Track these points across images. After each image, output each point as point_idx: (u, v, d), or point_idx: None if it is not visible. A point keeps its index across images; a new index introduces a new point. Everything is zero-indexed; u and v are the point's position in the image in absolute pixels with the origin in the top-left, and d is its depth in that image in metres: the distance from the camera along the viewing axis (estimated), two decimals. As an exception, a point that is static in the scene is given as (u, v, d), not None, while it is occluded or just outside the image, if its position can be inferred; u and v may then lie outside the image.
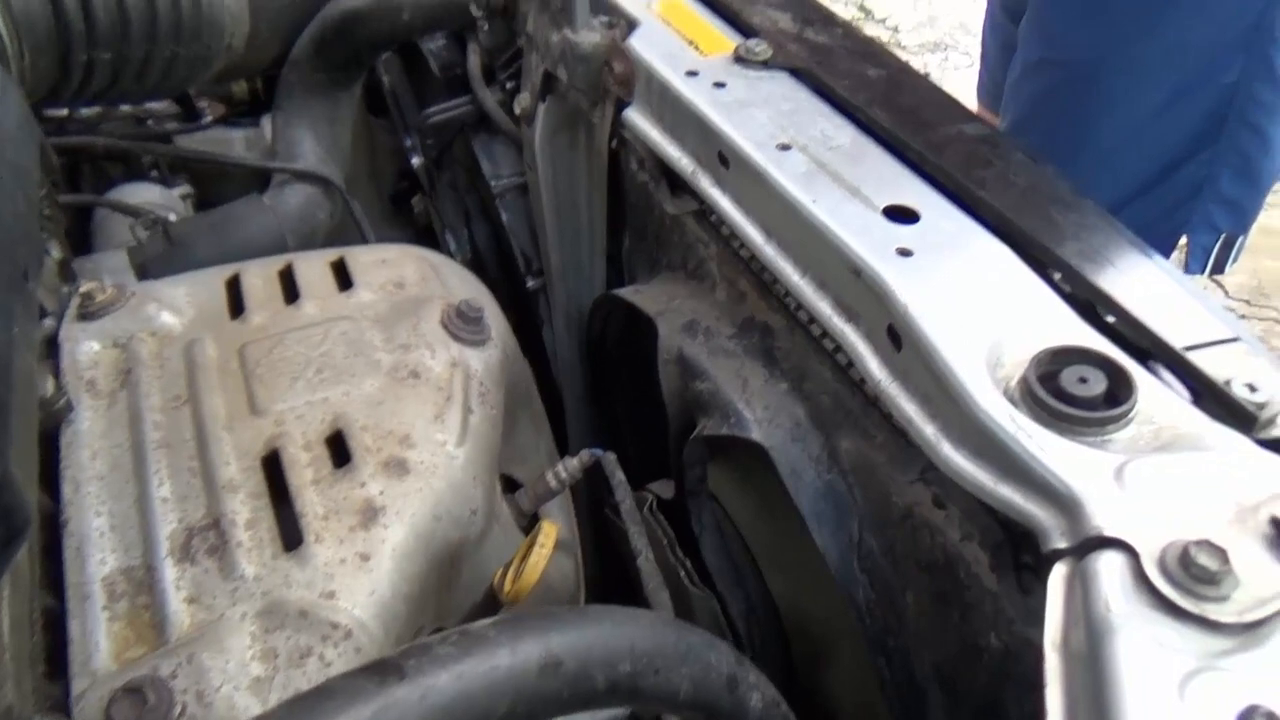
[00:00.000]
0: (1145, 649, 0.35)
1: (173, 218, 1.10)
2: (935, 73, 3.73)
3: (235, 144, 1.42)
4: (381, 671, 0.31)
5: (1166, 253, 1.29)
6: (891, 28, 4.09)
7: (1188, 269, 1.27)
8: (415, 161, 1.23)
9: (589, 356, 0.99)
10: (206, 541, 0.59)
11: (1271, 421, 0.48)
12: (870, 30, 4.07)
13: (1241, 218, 1.23)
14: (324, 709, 0.30)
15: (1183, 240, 1.26)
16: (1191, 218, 1.23)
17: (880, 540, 0.62)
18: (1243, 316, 2.45)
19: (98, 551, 0.59)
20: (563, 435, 1.05)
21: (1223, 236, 1.24)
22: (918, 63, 3.80)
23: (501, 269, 1.13)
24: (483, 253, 1.18)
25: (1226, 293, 2.52)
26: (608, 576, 0.96)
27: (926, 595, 0.59)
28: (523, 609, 0.70)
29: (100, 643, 0.54)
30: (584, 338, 0.99)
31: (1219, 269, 1.27)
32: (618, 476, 0.75)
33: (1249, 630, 0.37)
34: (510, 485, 0.81)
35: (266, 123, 1.41)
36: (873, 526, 0.62)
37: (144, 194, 1.22)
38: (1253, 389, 0.48)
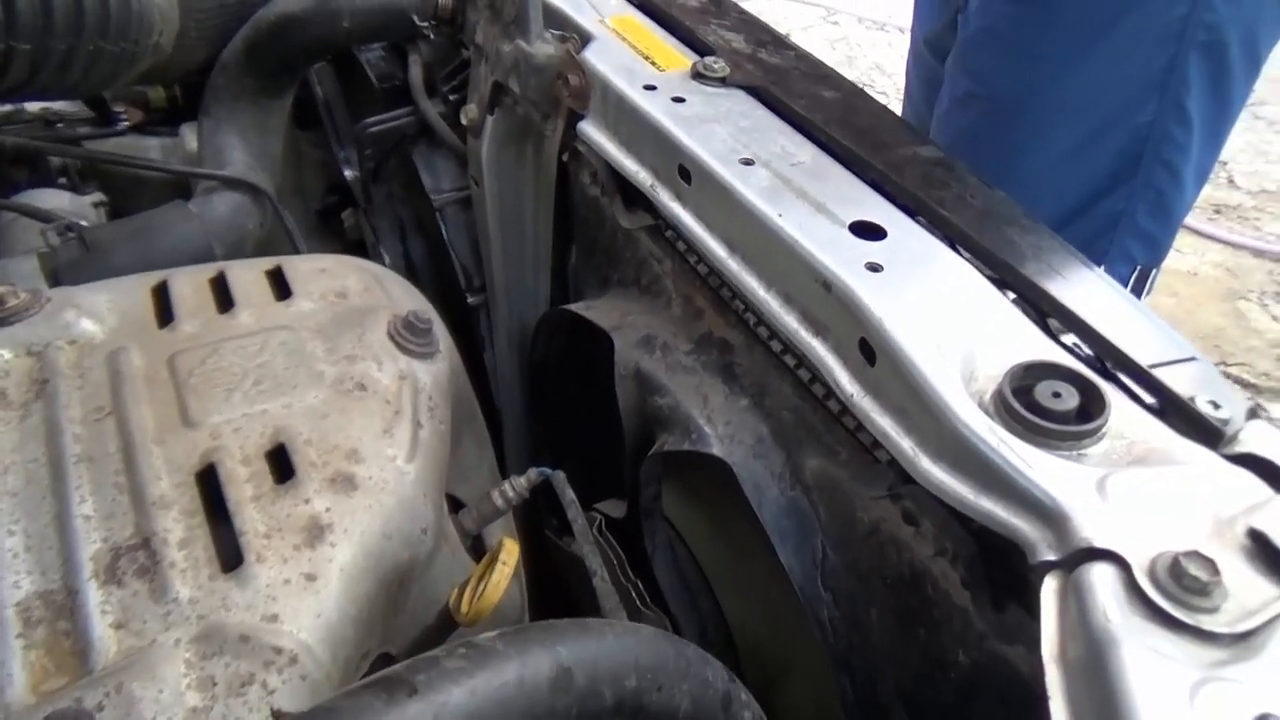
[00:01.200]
0: (1150, 659, 0.35)
1: (85, 223, 1.04)
2: (852, 111, 3.84)
3: (151, 152, 1.35)
4: (389, 688, 0.28)
5: None
6: (810, 66, 4.20)
7: None
8: (349, 174, 1.19)
9: (532, 374, 0.97)
10: (135, 562, 0.54)
11: (1235, 437, 0.49)
12: (790, 67, 4.18)
13: (1155, 251, 1.29)
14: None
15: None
16: (1109, 250, 1.28)
17: (844, 557, 0.61)
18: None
19: (11, 574, 0.53)
20: (501, 456, 1.02)
21: (1138, 269, 1.29)
22: (835, 100, 3.91)
23: (439, 284, 1.10)
24: (418, 268, 1.15)
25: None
26: (544, 599, 0.93)
27: (892, 612, 0.59)
28: (478, 632, 0.67)
29: (15, 673, 0.49)
30: (527, 354, 0.97)
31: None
32: (568, 495, 0.72)
33: (1240, 640, 0.37)
34: (454, 504, 0.78)
35: (186, 131, 1.35)
36: (837, 543, 0.62)
37: (53, 200, 1.15)
38: (1216, 405, 0.49)
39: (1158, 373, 0.52)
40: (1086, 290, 0.58)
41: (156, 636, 0.51)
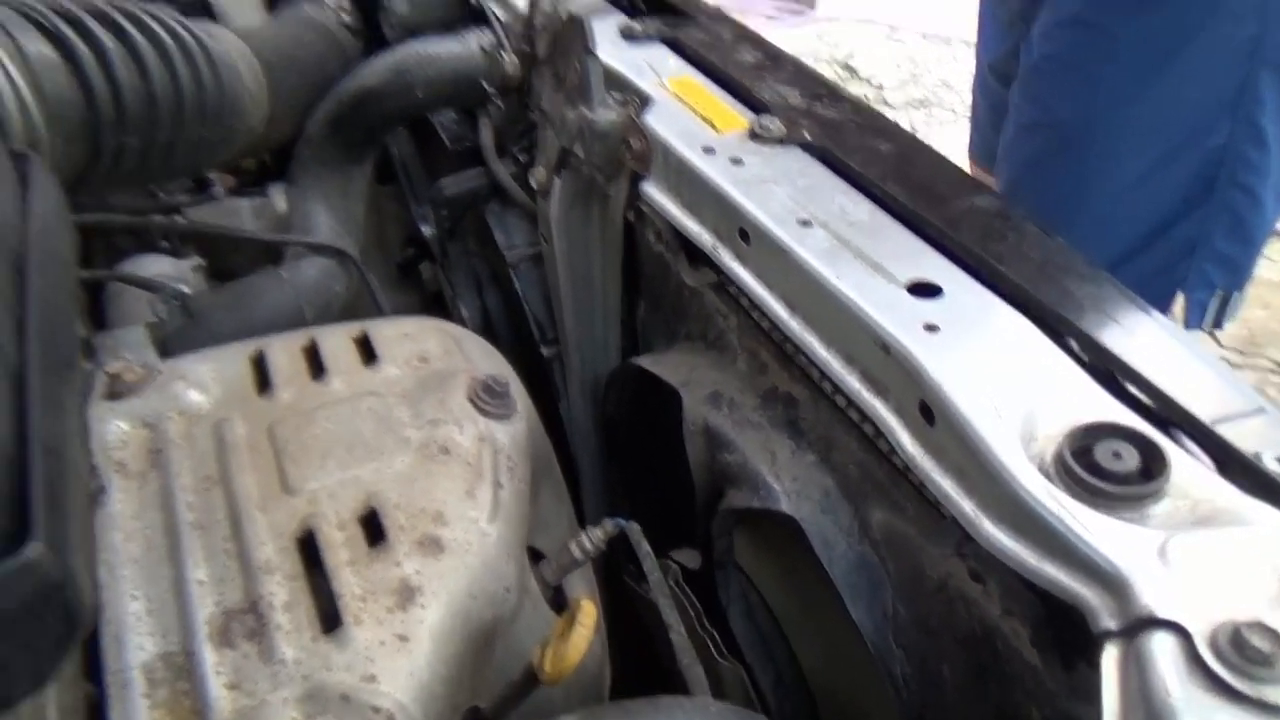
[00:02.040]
0: (1211, 735, 0.36)
1: (186, 289, 1.11)
2: (921, 129, 3.81)
3: (244, 214, 1.43)
4: None
5: (1165, 308, 1.32)
6: (876, 85, 4.19)
7: (1187, 324, 1.29)
8: (426, 231, 1.25)
9: (605, 425, 1.00)
10: (245, 625, 0.59)
11: (1303, 493, 0.49)
12: (855, 88, 4.17)
13: (1236, 274, 1.26)
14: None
15: (1181, 296, 1.29)
16: (1188, 275, 1.26)
17: (915, 612, 0.62)
18: (1236, 366, 2.49)
19: (135, 637, 0.58)
20: (579, 504, 1.05)
21: (1219, 292, 1.27)
22: (903, 119, 3.89)
23: (515, 336, 1.14)
24: (495, 320, 1.19)
25: (1219, 344, 2.56)
26: (624, 645, 0.96)
27: (964, 668, 0.60)
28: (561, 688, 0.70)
29: (141, 732, 0.54)
30: (600, 406, 1.00)
31: (1218, 324, 1.30)
32: (644, 548, 0.75)
33: (1305, 711, 0.38)
34: (534, 555, 0.82)
35: (274, 192, 1.43)
36: (907, 598, 0.63)
37: (156, 266, 1.23)
38: (1282, 461, 0.49)
39: (1221, 428, 0.52)
40: (1147, 342, 0.59)
41: (266, 696, 0.55)
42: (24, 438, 0.43)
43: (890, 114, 3.94)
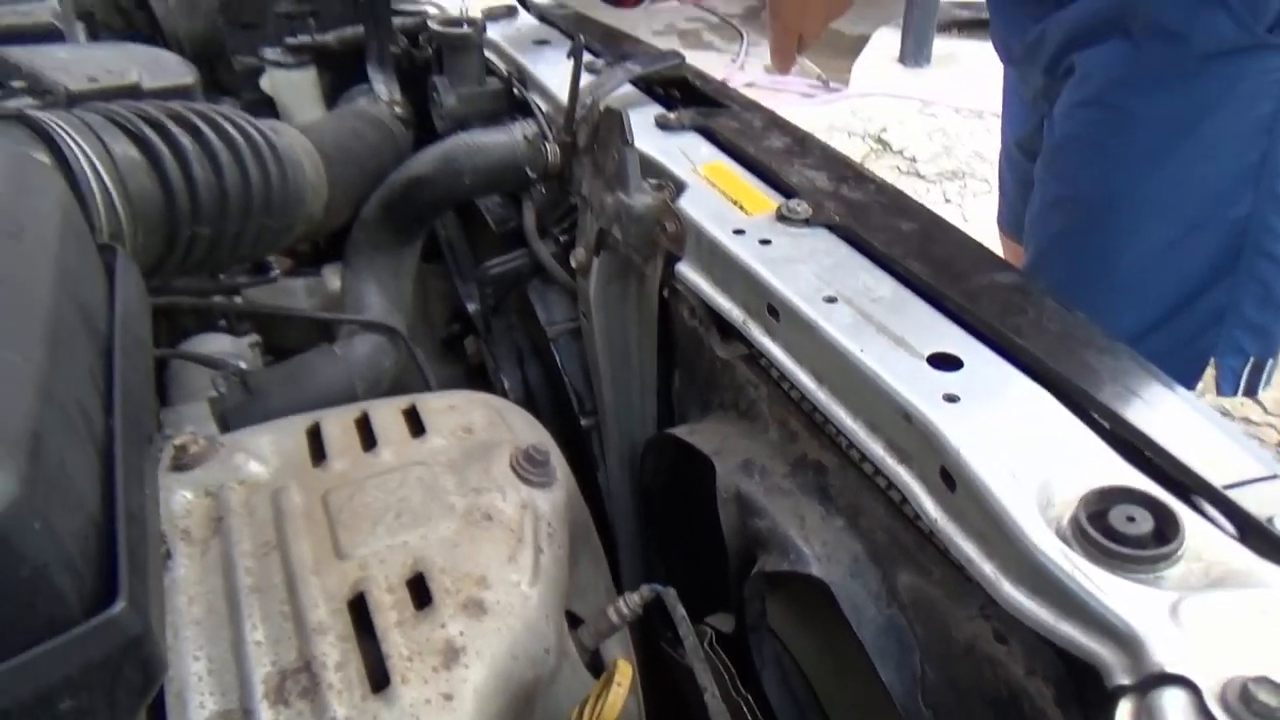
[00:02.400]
0: (1216, 784, 0.38)
1: (245, 366, 1.17)
2: (955, 199, 3.86)
3: (298, 293, 1.51)
4: None
5: (1196, 376, 1.32)
6: (909, 158, 4.26)
7: (1220, 391, 1.29)
8: (471, 307, 1.30)
9: (641, 493, 1.03)
10: (299, 684, 0.62)
11: (1317, 556, 0.50)
12: (888, 161, 4.24)
13: (1268, 342, 1.27)
14: None
15: (1212, 363, 1.30)
16: (1218, 342, 1.26)
17: (943, 674, 0.64)
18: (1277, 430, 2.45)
19: (197, 695, 0.62)
20: (616, 571, 1.08)
21: (1251, 360, 1.27)
22: (937, 191, 3.94)
23: (554, 408, 1.18)
24: (535, 392, 1.24)
25: (1265, 409, 2.53)
26: (661, 710, 0.97)
27: (993, 730, 0.61)
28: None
29: (201, 786, 0.57)
30: (637, 475, 1.03)
31: (1251, 392, 1.30)
32: (679, 612, 0.77)
33: (1313, 765, 0.39)
34: (572, 621, 0.84)
35: (327, 272, 1.51)
36: (935, 661, 0.64)
37: (216, 344, 1.30)
38: (1294, 525, 0.51)
39: (1234, 493, 0.54)
40: (1163, 410, 0.61)
41: (317, 752, 0.58)
42: (111, 506, 0.48)
43: (924, 186, 4.00)
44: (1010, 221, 1.67)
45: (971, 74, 5.00)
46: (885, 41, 5.53)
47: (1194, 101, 1.17)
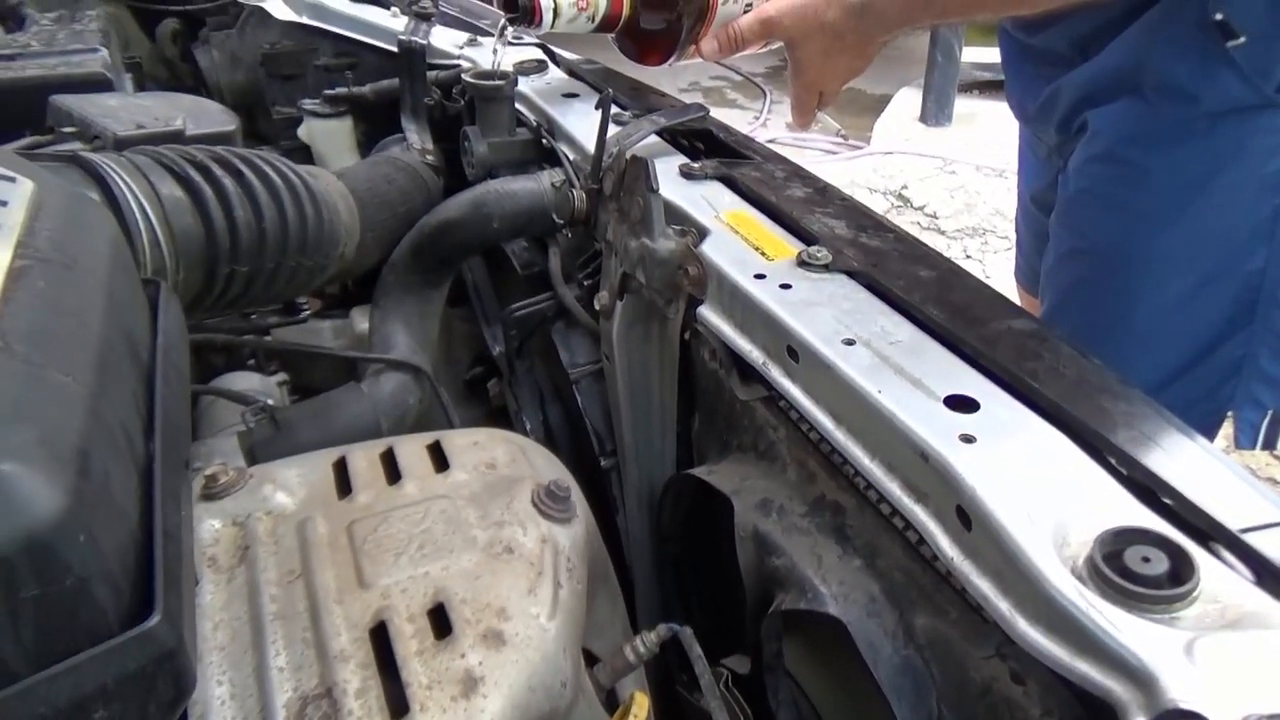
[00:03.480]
0: (1229, 817, 0.38)
1: (271, 402, 1.20)
2: (976, 255, 3.88)
3: (325, 334, 1.54)
4: None
5: (1214, 429, 1.32)
6: (930, 214, 4.29)
7: (1238, 444, 1.29)
8: (495, 350, 1.32)
9: (659, 533, 1.04)
10: (320, 710, 0.63)
11: (1333, 600, 0.50)
12: (909, 217, 4.28)
13: None
14: None
15: (1231, 416, 1.30)
16: (1235, 395, 1.26)
17: (960, 716, 0.64)
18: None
19: (219, 718, 0.63)
20: (633, 613, 1.08)
21: (1270, 413, 1.27)
22: (958, 247, 3.96)
23: (574, 448, 1.20)
24: (556, 433, 1.25)
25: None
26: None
27: (1010, 774, 0.60)
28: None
29: (222, 808, 0.58)
30: (656, 515, 1.04)
31: (1270, 445, 1.29)
32: (695, 651, 0.77)
33: (1328, 801, 0.39)
34: (589, 659, 0.84)
35: (355, 314, 1.54)
36: (952, 702, 0.64)
37: (245, 381, 1.33)
38: (1310, 568, 0.51)
39: (1250, 537, 0.54)
40: (1180, 455, 0.61)
41: (336, 779, 0.59)
42: (149, 524, 0.49)
43: (945, 241, 4.02)
44: (1027, 275, 1.69)
45: (992, 133, 5.06)
46: (907, 101, 5.62)
47: (1205, 158, 1.19)
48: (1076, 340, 1.38)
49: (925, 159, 4.85)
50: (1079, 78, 1.28)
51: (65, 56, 1.37)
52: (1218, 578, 0.52)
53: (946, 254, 3.50)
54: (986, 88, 5.70)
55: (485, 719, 0.63)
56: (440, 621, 0.70)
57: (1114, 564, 0.52)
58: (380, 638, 0.69)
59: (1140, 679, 0.46)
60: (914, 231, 4.24)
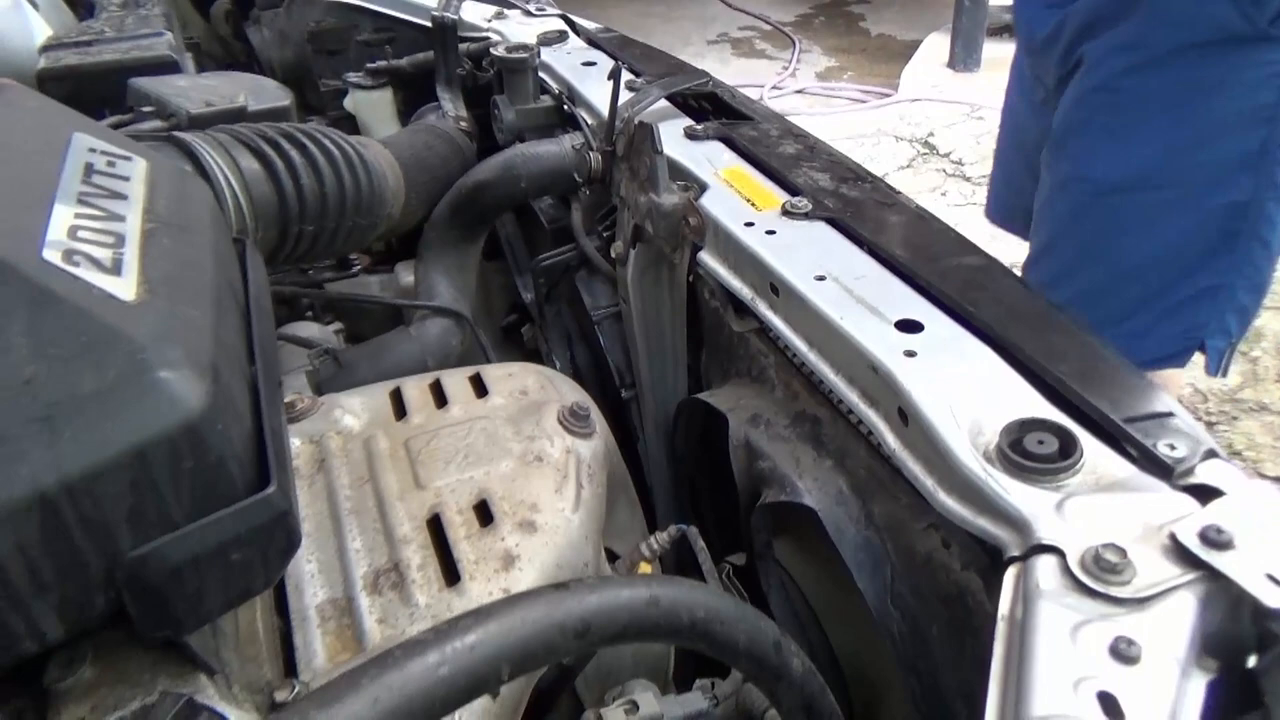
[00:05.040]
0: (1057, 610, 0.52)
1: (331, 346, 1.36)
2: (998, 201, 3.92)
3: (373, 287, 1.70)
4: (556, 588, 0.49)
5: (1187, 355, 1.42)
6: (956, 161, 4.33)
7: (1208, 372, 1.39)
8: (527, 297, 1.47)
9: (674, 453, 1.18)
10: (389, 580, 0.79)
11: (1188, 472, 0.63)
12: (934, 164, 4.32)
13: (1247, 324, 1.37)
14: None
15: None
16: (1209, 323, 1.37)
17: (909, 582, 0.78)
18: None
19: (311, 588, 0.79)
20: (653, 526, 1.23)
21: (1231, 342, 1.37)
22: (981, 193, 4.01)
23: (598, 382, 1.34)
24: (582, 370, 1.40)
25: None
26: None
27: (946, 624, 0.75)
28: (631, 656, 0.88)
29: (318, 652, 0.74)
30: (670, 438, 1.19)
31: (1224, 372, 1.39)
32: (699, 545, 0.92)
33: (1141, 603, 0.53)
34: (611, 556, 0.99)
35: (399, 269, 1.69)
36: (902, 571, 0.78)
37: (307, 329, 1.49)
38: (1173, 447, 0.64)
39: (1132, 425, 0.67)
40: (1087, 363, 0.74)
41: (406, 629, 0.74)
42: (260, 421, 0.65)
43: (970, 188, 4.07)
44: (995, 210, 1.81)
45: (1020, 77, 5.04)
46: (935, 47, 5.60)
47: (1196, 88, 1.27)
48: (1068, 270, 1.49)
49: (952, 105, 4.87)
50: (1082, 7, 1.36)
51: (135, 41, 1.51)
52: (1099, 455, 0.65)
53: (970, 199, 3.53)
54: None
55: (522, 588, 0.78)
56: (483, 514, 0.85)
57: (1015, 447, 0.65)
58: (435, 527, 0.84)
59: (1019, 526, 0.60)
60: (938, 179, 4.26)
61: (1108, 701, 0.46)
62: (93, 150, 0.77)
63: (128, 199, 0.73)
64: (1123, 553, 0.54)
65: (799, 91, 5.39)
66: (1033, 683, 0.47)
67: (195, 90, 1.29)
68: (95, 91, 1.44)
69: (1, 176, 0.67)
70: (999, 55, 5.35)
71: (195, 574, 0.57)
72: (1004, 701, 0.49)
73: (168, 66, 1.47)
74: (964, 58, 5.29)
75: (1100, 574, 0.54)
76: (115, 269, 0.63)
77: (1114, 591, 0.53)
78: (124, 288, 0.61)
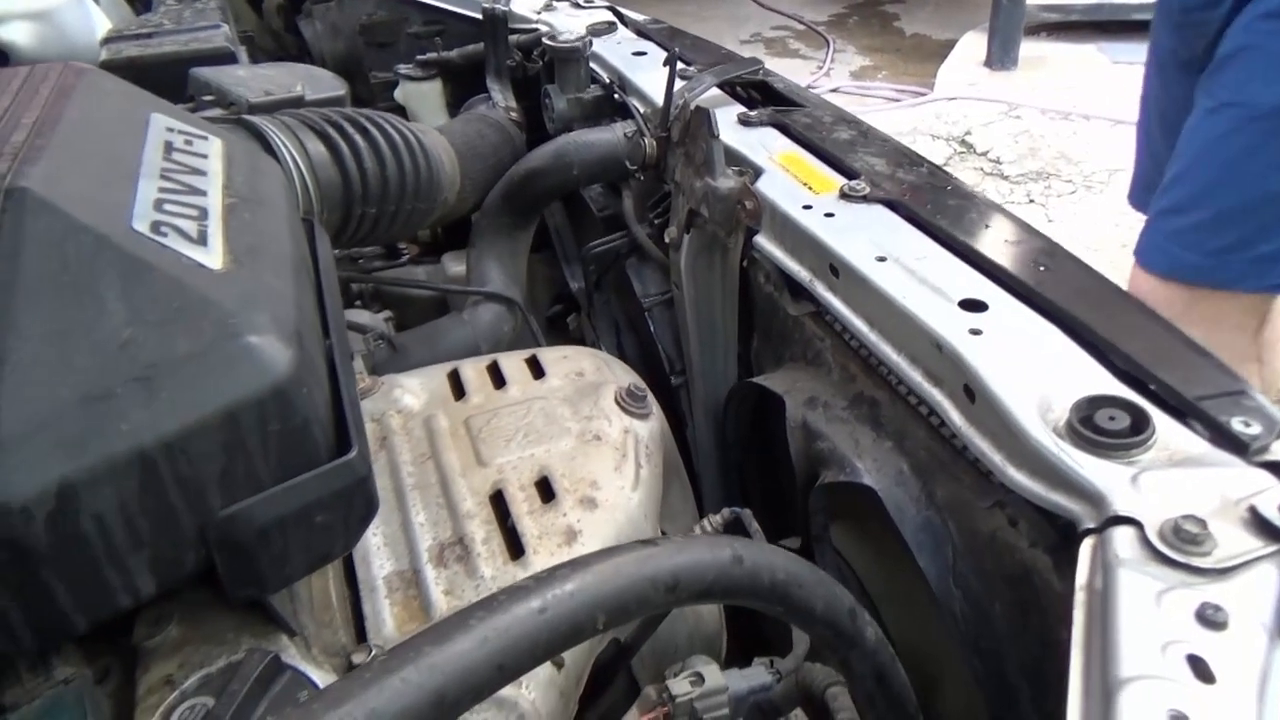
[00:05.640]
0: (1139, 579, 0.52)
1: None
2: (1039, 200, 3.89)
3: (419, 276, 1.72)
4: (644, 544, 0.50)
5: None
6: (993, 160, 4.30)
7: None
8: (574, 286, 1.48)
9: (723, 439, 1.19)
10: (455, 553, 0.80)
11: (1263, 449, 0.63)
12: (971, 163, 4.29)
13: None
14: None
15: None
16: None
17: (971, 562, 0.78)
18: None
19: (378, 559, 0.80)
20: (701, 510, 1.24)
21: None
22: (1020, 192, 3.98)
23: (645, 371, 1.35)
24: (630, 359, 1.41)
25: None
26: (739, 626, 1.12)
27: (1010, 604, 0.75)
28: (685, 632, 0.88)
29: (387, 620, 0.75)
30: (720, 424, 1.19)
31: None
32: (754, 527, 0.92)
33: (1223, 573, 0.53)
34: (664, 538, 1.00)
35: (446, 260, 1.71)
36: (964, 550, 0.78)
37: (359, 317, 1.52)
38: (1247, 424, 0.64)
39: (1204, 403, 0.67)
40: (1156, 341, 0.74)
41: (471, 600, 0.75)
42: (338, 391, 0.66)
43: (1007, 187, 4.04)
44: (1139, 193, 1.79)
45: (1059, 76, 5.01)
46: (972, 46, 5.56)
47: None
48: (1205, 192, 1.48)
49: (989, 104, 4.83)
50: None
51: (193, 33, 1.54)
52: (1171, 432, 0.65)
53: (1009, 199, 3.50)
54: (1054, 29, 5.61)
55: (584, 561, 0.79)
56: (545, 490, 0.86)
57: (1086, 423, 0.65)
58: (498, 503, 0.85)
59: (1094, 499, 0.60)
60: (975, 179, 4.23)
61: (1198, 664, 0.46)
62: (171, 129, 0.79)
63: (207, 175, 0.74)
64: (1203, 524, 0.54)
65: (834, 91, 5.37)
66: (1119, 647, 0.47)
67: (254, 80, 1.32)
68: (155, 82, 1.46)
69: (88, 153, 0.69)
70: (1036, 54, 5.31)
71: (281, 535, 0.58)
72: (1088, 667, 0.49)
73: (225, 58, 1.50)
74: (1001, 57, 5.24)
75: (1180, 545, 0.54)
76: (201, 240, 0.64)
77: (1195, 562, 0.53)
78: (211, 257, 0.63)
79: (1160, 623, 0.49)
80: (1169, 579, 0.52)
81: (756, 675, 0.72)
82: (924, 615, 0.87)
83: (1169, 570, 0.53)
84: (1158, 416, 0.66)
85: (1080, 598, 0.54)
